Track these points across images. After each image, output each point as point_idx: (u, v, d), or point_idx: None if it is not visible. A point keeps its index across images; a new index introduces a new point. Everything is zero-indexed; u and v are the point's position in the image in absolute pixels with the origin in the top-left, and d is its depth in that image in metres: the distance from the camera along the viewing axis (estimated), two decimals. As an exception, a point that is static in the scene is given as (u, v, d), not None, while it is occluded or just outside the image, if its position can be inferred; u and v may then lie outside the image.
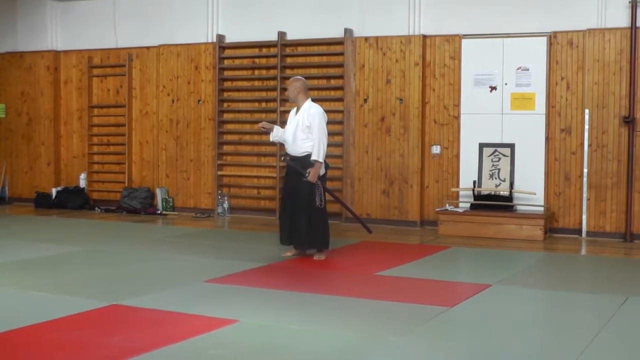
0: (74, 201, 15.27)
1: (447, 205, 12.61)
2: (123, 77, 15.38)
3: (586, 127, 11.94)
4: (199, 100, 14.56)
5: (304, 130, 9.71)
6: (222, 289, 8.11)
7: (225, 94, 14.54)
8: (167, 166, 14.86)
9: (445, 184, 12.87)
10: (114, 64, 15.51)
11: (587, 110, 11.93)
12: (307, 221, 9.71)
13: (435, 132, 12.91)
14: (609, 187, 11.86)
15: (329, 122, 13.22)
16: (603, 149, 11.88)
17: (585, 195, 11.97)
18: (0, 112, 16.45)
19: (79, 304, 7.26)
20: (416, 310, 7.19)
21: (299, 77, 10.31)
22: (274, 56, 14.03)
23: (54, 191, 15.57)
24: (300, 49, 14.03)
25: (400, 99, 12.97)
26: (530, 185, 12.16)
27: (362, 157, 13.26)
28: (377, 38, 13.17)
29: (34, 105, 16.11)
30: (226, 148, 14.58)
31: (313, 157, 9.65)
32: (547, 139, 12.19)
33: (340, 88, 13.51)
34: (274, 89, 14.01)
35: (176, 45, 14.76)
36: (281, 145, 10.99)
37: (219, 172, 14.45)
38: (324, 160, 9.79)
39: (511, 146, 12.30)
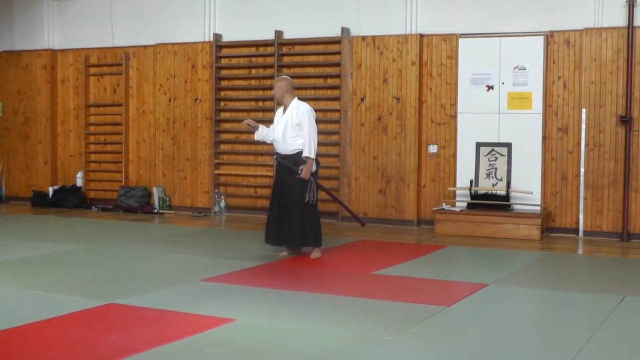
0: (70, 200, 15.26)
1: (444, 204, 12.61)
2: (120, 76, 15.37)
3: (583, 126, 11.95)
4: (195, 99, 14.56)
5: (294, 128, 9.72)
6: (218, 288, 8.11)
7: (222, 93, 14.54)
8: (164, 165, 14.86)
9: (442, 183, 12.87)
10: (111, 62, 15.50)
11: (584, 110, 11.94)
12: (299, 218, 9.71)
13: (432, 131, 12.91)
14: (606, 186, 11.87)
15: (326, 122, 13.33)
16: (600, 148, 11.89)
17: (582, 194, 11.97)
18: (-3, 111, 16.47)
19: (75, 302, 7.25)
20: (412, 310, 7.19)
21: (284, 76, 10.35)
22: (271, 55, 14.03)
23: (50, 190, 15.56)
24: (297, 48, 14.02)
25: (397, 98, 12.97)
26: (527, 185, 12.16)
27: (359, 156, 13.26)
28: (374, 37, 13.17)
29: (31, 104, 16.10)
30: (223, 147, 14.57)
31: (305, 154, 9.66)
32: (544, 138, 12.20)
33: (337, 87, 13.51)
34: (270, 88, 13.90)
35: (173, 44, 14.76)
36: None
37: (216, 171, 14.45)
38: (315, 157, 9.80)
39: (508, 145, 12.31)
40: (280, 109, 10.06)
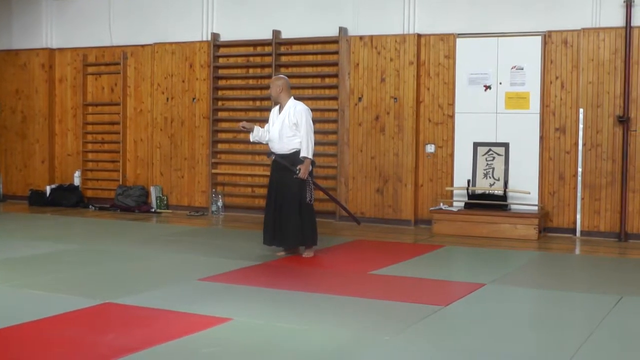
0: (68, 199, 15.25)
1: (441, 204, 12.62)
2: (118, 75, 15.37)
3: (580, 126, 11.95)
4: (193, 99, 14.55)
5: (291, 128, 9.72)
6: (215, 287, 8.10)
7: (220, 93, 14.54)
8: (161, 164, 14.85)
9: (440, 183, 12.87)
10: (109, 62, 15.49)
11: (581, 110, 11.94)
12: (297, 218, 9.70)
13: (430, 131, 12.91)
14: (603, 186, 11.87)
15: (323, 121, 13.34)
16: (597, 148, 11.89)
17: (579, 194, 11.98)
18: (-5, 110, 16.47)
19: (72, 302, 7.24)
20: (410, 309, 7.19)
21: (281, 75, 10.36)
22: (269, 55, 14.03)
23: (48, 189, 15.55)
24: (295, 48, 14.02)
25: (395, 98, 12.97)
26: (524, 185, 12.16)
27: (356, 155, 13.26)
28: (371, 37, 13.17)
29: (29, 102, 16.09)
30: (220, 146, 14.57)
31: (303, 154, 9.66)
32: (542, 138, 12.20)
33: (335, 87, 13.51)
34: (268, 88, 13.90)
35: (171, 43, 14.75)
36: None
37: (213, 171, 14.44)
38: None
39: (505, 145, 12.31)
40: (276, 108, 10.05)
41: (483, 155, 12.42)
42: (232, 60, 14.50)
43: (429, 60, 12.90)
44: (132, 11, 15.30)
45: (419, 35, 12.91)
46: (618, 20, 11.84)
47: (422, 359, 5.83)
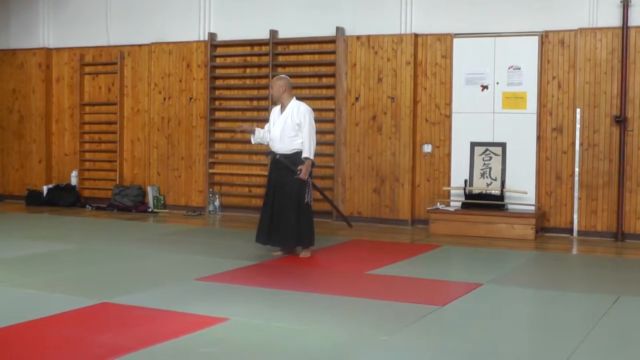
0: (65, 199, 15.24)
1: (438, 204, 12.62)
2: (115, 75, 15.35)
3: (577, 126, 11.95)
4: (190, 99, 14.55)
5: (294, 128, 9.70)
6: (212, 287, 8.11)
7: (217, 92, 14.53)
8: (158, 164, 14.85)
9: (437, 182, 12.87)
10: (106, 61, 15.48)
11: (578, 110, 11.95)
12: (295, 218, 9.70)
13: (427, 130, 12.92)
14: (600, 186, 11.88)
15: (320, 121, 13.32)
16: (594, 148, 11.90)
17: (576, 194, 11.98)
18: (-8, 110, 16.45)
19: (69, 301, 7.24)
20: (407, 309, 7.19)
21: (282, 75, 10.33)
22: (266, 54, 14.02)
23: (45, 189, 15.53)
24: (292, 48, 14.02)
25: (392, 98, 12.97)
26: (521, 184, 12.17)
27: (353, 155, 13.26)
28: (368, 37, 13.17)
29: (26, 102, 16.08)
30: (217, 146, 14.57)
31: (305, 155, 9.66)
32: (539, 138, 12.21)
33: (332, 87, 13.51)
34: (265, 87, 13.99)
35: (168, 43, 14.74)
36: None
37: (210, 170, 14.44)
38: None
39: (502, 145, 12.31)
40: (277, 108, 10.03)
41: (480, 155, 12.43)
42: (229, 60, 14.49)
43: (426, 60, 12.91)
44: (129, 11, 15.29)
45: (416, 35, 12.91)
46: (615, 21, 11.85)
47: (419, 358, 5.83)
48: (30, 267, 9.03)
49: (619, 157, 11.72)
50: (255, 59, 14.29)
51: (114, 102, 15.36)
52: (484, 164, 12.38)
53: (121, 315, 6.91)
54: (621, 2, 11.74)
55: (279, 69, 13.87)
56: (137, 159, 15.20)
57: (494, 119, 12.37)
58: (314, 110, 10.10)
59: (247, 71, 14.40)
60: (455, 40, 12.65)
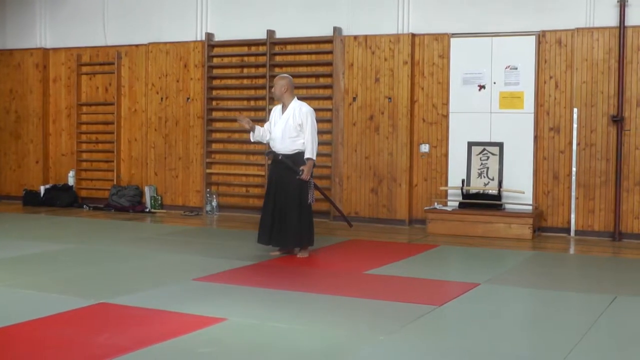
0: (62, 199, 15.23)
1: (436, 203, 12.62)
2: (112, 75, 15.35)
3: (575, 126, 11.97)
4: (187, 99, 14.54)
5: (295, 129, 9.69)
6: (210, 287, 8.10)
7: (214, 92, 14.53)
8: (155, 164, 14.84)
9: (434, 182, 12.87)
10: (103, 61, 15.48)
11: (575, 109, 11.96)
12: (297, 219, 9.69)
13: (424, 130, 12.92)
14: (598, 185, 11.89)
15: (318, 121, 13.21)
16: (591, 148, 11.91)
17: (573, 194, 12.00)
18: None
19: (66, 302, 7.24)
20: (404, 309, 7.19)
21: (285, 74, 10.30)
22: (263, 54, 14.02)
23: (42, 189, 15.52)
24: (289, 48, 14.02)
25: (389, 98, 12.98)
26: (518, 184, 12.18)
27: (350, 155, 13.27)
28: (366, 37, 13.18)
29: (23, 102, 16.07)
30: (215, 146, 14.57)
31: (307, 156, 9.66)
32: (536, 137, 12.22)
33: (329, 86, 13.51)
34: (262, 87, 14.00)
35: (165, 43, 14.74)
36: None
37: (208, 170, 14.44)
38: None
39: (500, 145, 12.32)
40: (278, 108, 10.01)
41: (477, 154, 12.44)
42: (226, 60, 14.49)
43: (423, 60, 12.91)
44: (126, 11, 15.29)
45: (413, 35, 12.92)
46: (612, 20, 11.86)
47: (416, 358, 5.83)
48: (28, 268, 9.01)
49: (616, 157, 11.73)
50: (252, 59, 14.29)
51: (111, 102, 15.36)
52: (481, 164, 12.39)
53: (119, 315, 6.91)
54: (618, 1, 11.75)
55: (276, 69, 13.88)
56: (135, 159, 15.19)
57: (491, 119, 12.38)
58: (312, 110, 10.12)
59: (245, 71, 14.40)
60: (453, 40, 12.66)
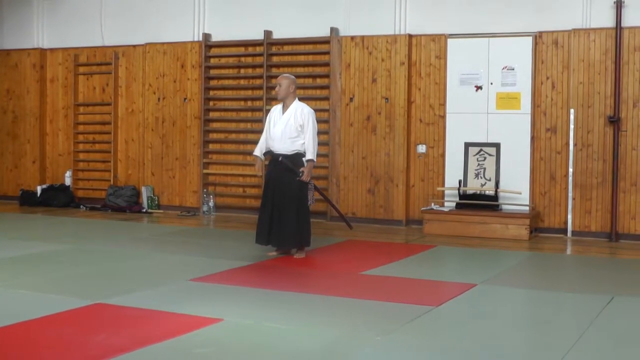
0: (59, 199, 15.22)
1: (433, 204, 12.63)
2: (109, 75, 15.34)
3: (571, 126, 11.97)
4: (184, 99, 14.54)
5: (296, 129, 9.68)
6: (207, 287, 8.10)
7: (211, 93, 14.53)
8: (152, 164, 14.84)
9: (431, 183, 12.88)
10: (100, 62, 15.47)
11: (572, 110, 11.97)
12: (295, 219, 9.68)
13: (421, 131, 12.92)
14: (594, 186, 11.90)
15: (314, 121, 13.30)
16: (588, 149, 11.92)
17: (570, 194, 12.00)
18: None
19: (63, 302, 7.23)
20: (401, 310, 7.19)
21: (287, 74, 10.27)
22: (260, 55, 14.02)
23: (39, 189, 15.51)
24: (286, 48, 14.03)
25: (386, 98, 12.98)
26: (515, 185, 12.18)
27: (347, 155, 13.27)
28: (363, 37, 13.18)
29: (20, 103, 16.06)
30: (212, 146, 14.56)
31: (308, 157, 9.67)
32: (533, 138, 12.22)
33: (326, 87, 13.51)
34: (259, 88, 14.00)
35: (162, 43, 14.74)
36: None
37: (205, 171, 14.43)
38: None
39: (497, 145, 12.32)
40: (278, 108, 9.97)
41: (474, 155, 12.44)
42: (223, 60, 14.49)
43: (420, 61, 12.92)
44: (123, 11, 15.28)
45: (410, 36, 12.92)
46: (608, 21, 11.87)
47: (413, 358, 5.84)
48: (24, 268, 9.00)
49: (613, 157, 11.74)
50: (249, 60, 14.29)
51: (108, 102, 15.36)
52: (478, 165, 12.39)
53: (115, 315, 6.90)
54: (614, 2, 11.76)
55: (274, 70, 13.88)
56: (131, 160, 15.19)
57: (488, 120, 12.39)
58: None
59: (242, 71, 14.40)
60: (449, 41, 12.66)
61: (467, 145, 12.49)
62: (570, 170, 11.99)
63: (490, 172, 12.32)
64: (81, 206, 15.17)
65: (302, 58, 13.88)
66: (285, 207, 9.70)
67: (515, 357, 5.89)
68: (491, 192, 12.23)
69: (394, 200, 12.98)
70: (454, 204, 12.43)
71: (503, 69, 12.29)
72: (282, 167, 9.73)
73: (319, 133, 13.19)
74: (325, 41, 13.53)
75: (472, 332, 6.56)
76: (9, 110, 16.19)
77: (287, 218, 9.68)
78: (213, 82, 14.54)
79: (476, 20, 12.60)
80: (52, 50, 15.97)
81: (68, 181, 15.63)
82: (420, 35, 12.91)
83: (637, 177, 11.70)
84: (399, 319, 6.81)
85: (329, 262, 9.88)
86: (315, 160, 9.79)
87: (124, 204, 14.71)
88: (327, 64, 13.51)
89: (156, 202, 14.66)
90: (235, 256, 9.86)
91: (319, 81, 13.70)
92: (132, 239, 11.49)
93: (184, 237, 11.78)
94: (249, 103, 14.29)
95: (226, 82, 14.50)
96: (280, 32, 13.94)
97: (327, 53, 13.49)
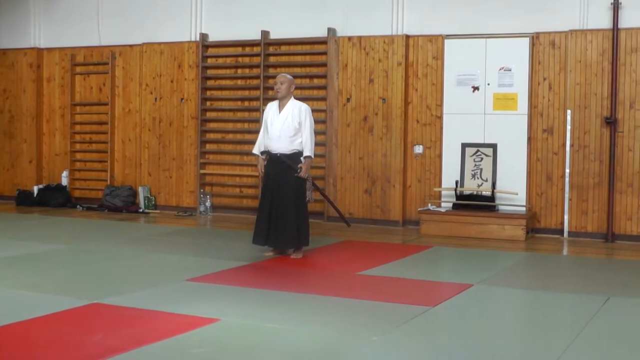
0: (55, 199, 15.21)
1: (429, 205, 12.63)
2: (106, 75, 15.33)
3: (568, 127, 11.98)
4: (181, 99, 14.54)
5: (294, 128, 9.67)
6: (203, 287, 8.10)
7: (208, 93, 14.53)
8: (149, 164, 14.83)
9: (428, 183, 12.88)
10: (97, 61, 15.46)
11: (569, 111, 11.98)
12: (295, 219, 9.67)
13: (418, 131, 12.93)
14: (591, 187, 11.91)
15: (311, 121, 13.29)
16: (585, 149, 11.93)
17: (567, 195, 12.01)
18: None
19: (60, 302, 7.23)
20: (398, 310, 7.20)
21: (285, 74, 10.27)
22: (257, 55, 14.02)
23: (35, 189, 15.50)
24: (284, 48, 14.03)
25: (383, 99, 12.98)
26: (512, 185, 12.19)
27: (344, 156, 13.27)
28: (360, 38, 13.18)
29: (16, 102, 16.05)
30: (209, 146, 14.56)
31: (306, 154, 9.67)
32: (529, 139, 12.23)
33: (323, 87, 13.51)
34: (257, 88, 14.00)
35: (159, 43, 14.73)
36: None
37: (202, 171, 14.43)
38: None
39: (493, 146, 12.33)
40: (274, 106, 9.94)
41: (471, 156, 12.45)
42: (220, 60, 14.49)
43: (417, 61, 12.92)
44: (120, 11, 15.27)
45: (408, 36, 12.93)
46: (605, 22, 11.87)
47: (410, 359, 5.85)
48: (20, 268, 9.00)
49: (610, 158, 11.75)
50: (246, 60, 14.29)
51: (105, 102, 15.35)
52: (475, 165, 12.40)
53: (112, 315, 6.90)
54: (611, 3, 11.77)
55: (271, 70, 13.88)
56: (128, 159, 15.18)
57: (485, 120, 12.39)
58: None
59: (239, 72, 14.40)
60: (447, 42, 12.67)
61: (464, 145, 12.49)
62: (567, 171, 12.00)
63: (487, 173, 12.32)
64: (78, 206, 15.16)
65: (299, 58, 13.88)
66: (284, 207, 9.70)
67: (511, 357, 5.90)
68: (488, 193, 12.24)
69: (390, 201, 12.99)
70: (450, 205, 12.44)
71: (500, 69, 12.30)
72: (281, 165, 9.72)
73: (317, 133, 13.20)
74: (322, 41, 13.53)
75: (468, 333, 6.57)
76: (6, 110, 16.18)
77: (286, 218, 9.67)
78: (210, 82, 14.54)
79: (473, 21, 12.61)
80: (48, 49, 15.96)
81: (65, 181, 15.62)
82: (418, 36, 12.92)
83: (634, 178, 11.71)
84: (395, 319, 6.81)
85: (326, 263, 9.88)
86: (312, 157, 9.78)
87: (120, 204, 14.70)
88: (324, 65, 13.51)
89: (153, 202, 14.66)
90: (233, 256, 9.86)
91: (316, 81, 13.70)
92: (129, 239, 11.48)
93: (181, 237, 11.78)
94: (246, 103, 14.29)
95: (223, 82, 14.50)
96: (277, 32, 13.94)
97: (325, 53, 13.49)
